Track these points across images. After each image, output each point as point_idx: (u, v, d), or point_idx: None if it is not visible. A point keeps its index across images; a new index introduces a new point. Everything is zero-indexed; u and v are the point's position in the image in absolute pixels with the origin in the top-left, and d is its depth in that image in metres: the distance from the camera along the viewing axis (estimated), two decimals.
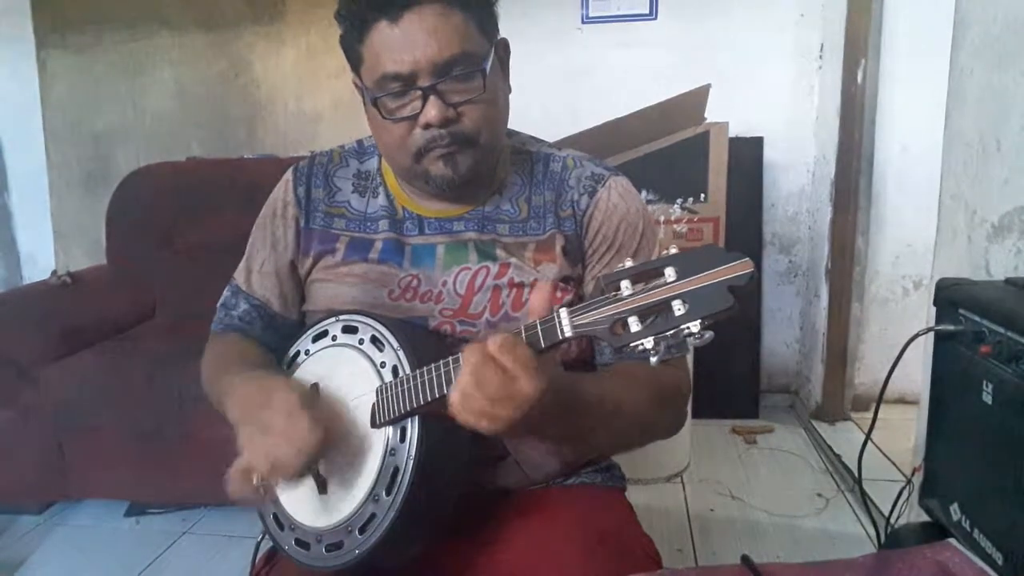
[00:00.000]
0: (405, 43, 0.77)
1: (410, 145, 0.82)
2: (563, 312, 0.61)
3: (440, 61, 0.77)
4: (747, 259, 0.53)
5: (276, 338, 0.96)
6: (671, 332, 0.54)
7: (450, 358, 0.69)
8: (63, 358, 1.97)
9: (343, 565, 0.75)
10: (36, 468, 1.97)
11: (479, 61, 0.79)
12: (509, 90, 0.89)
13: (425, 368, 0.71)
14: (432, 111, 0.78)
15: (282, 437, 0.73)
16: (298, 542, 0.80)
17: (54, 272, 2.28)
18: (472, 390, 0.61)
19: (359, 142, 0.98)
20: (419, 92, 0.78)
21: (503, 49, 0.87)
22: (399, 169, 0.89)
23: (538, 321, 0.63)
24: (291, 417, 0.74)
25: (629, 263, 0.59)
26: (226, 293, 1.00)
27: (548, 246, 0.88)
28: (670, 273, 0.55)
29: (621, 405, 0.77)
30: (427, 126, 0.79)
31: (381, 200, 0.92)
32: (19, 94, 2.87)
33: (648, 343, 0.55)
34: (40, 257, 3.02)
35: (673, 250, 0.56)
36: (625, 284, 0.57)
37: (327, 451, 0.75)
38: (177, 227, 2.39)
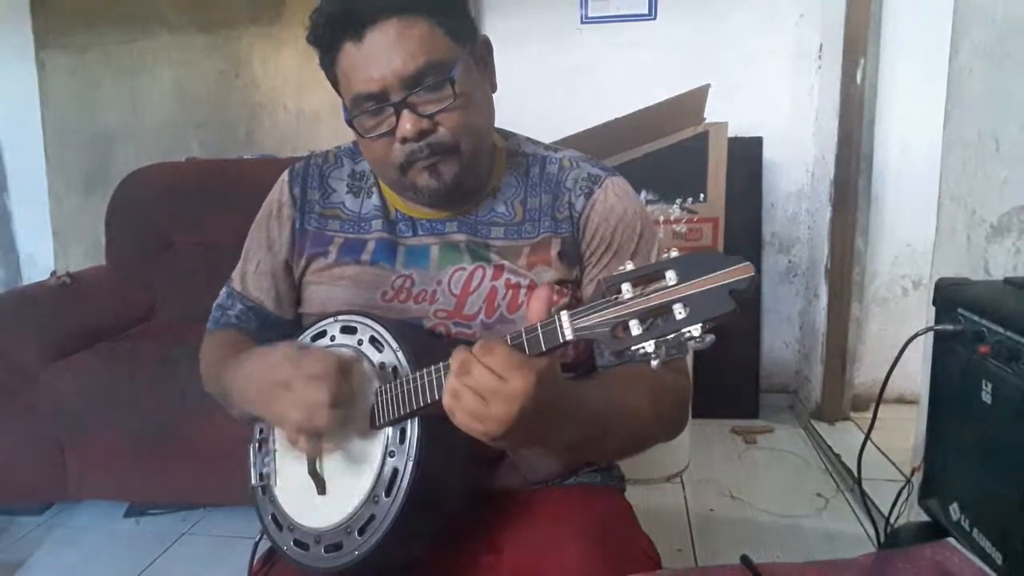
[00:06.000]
0: (371, 61, 0.77)
1: (393, 160, 0.82)
2: (564, 315, 0.61)
3: (407, 75, 0.77)
4: (748, 263, 0.53)
5: (272, 338, 0.95)
6: (672, 336, 0.54)
7: (450, 360, 0.68)
8: (63, 358, 1.97)
9: (342, 566, 0.75)
10: (36, 468, 1.97)
11: (448, 68, 0.78)
12: (493, 89, 0.88)
13: (425, 370, 0.71)
14: (407, 125, 0.78)
15: (301, 382, 0.73)
16: (297, 543, 0.80)
17: (53, 272, 2.28)
18: (461, 388, 0.61)
19: (355, 143, 0.98)
20: (392, 108, 0.79)
21: (483, 48, 0.86)
22: (389, 183, 0.90)
23: (539, 324, 0.62)
24: (300, 360, 0.74)
25: (630, 266, 0.58)
26: (222, 294, 1.00)
27: (543, 249, 0.88)
28: (671, 276, 0.55)
29: (624, 411, 0.77)
30: (404, 140, 0.79)
31: (375, 200, 0.93)
32: (19, 94, 2.87)
33: (649, 347, 0.55)
34: (40, 258, 3.02)
35: (674, 253, 0.56)
36: (626, 287, 0.57)
37: (346, 405, 0.74)
38: (177, 227, 2.39)
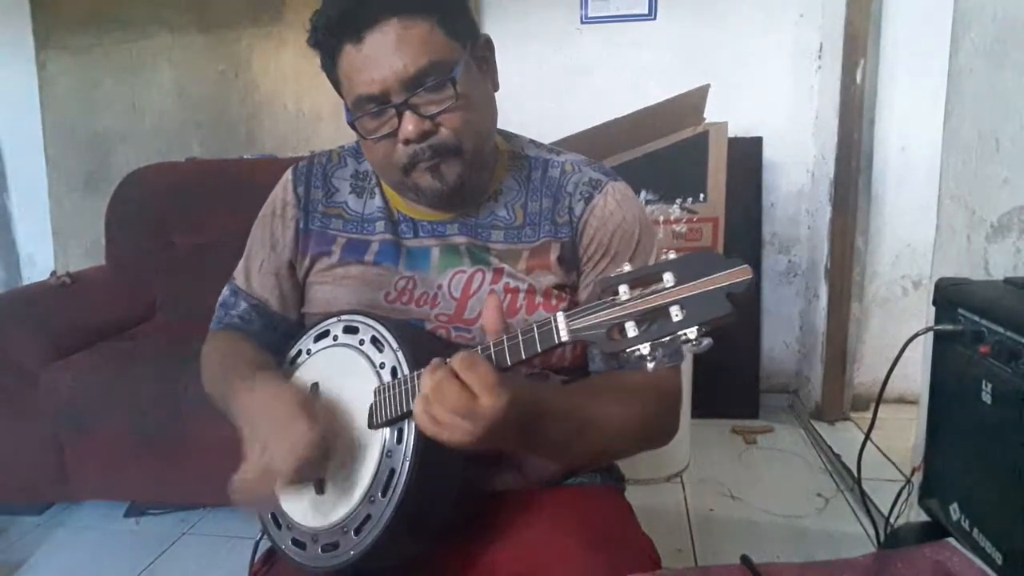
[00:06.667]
0: (372, 64, 0.77)
1: (395, 162, 0.82)
2: (560, 316, 0.61)
3: (407, 76, 0.76)
4: (746, 266, 0.53)
5: (275, 337, 0.95)
6: (668, 338, 0.53)
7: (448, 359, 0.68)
8: (63, 358, 1.97)
9: (339, 566, 0.75)
10: (36, 468, 1.97)
11: (449, 68, 0.78)
12: (495, 88, 0.88)
13: (420, 370, 0.70)
14: (409, 127, 0.78)
15: (280, 442, 0.73)
16: (295, 542, 0.80)
17: (53, 272, 2.28)
18: (433, 399, 0.63)
19: (358, 142, 0.98)
20: (393, 110, 0.79)
21: (484, 47, 0.86)
22: (391, 184, 0.90)
23: (535, 324, 0.62)
24: (290, 421, 0.74)
25: (627, 267, 0.58)
26: (225, 292, 1.00)
27: (542, 254, 0.87)
28: (668, 278, 0.54)
29: (595, 416, 0.77)
30: (407, 142, 0.79)
31: (378, 201, 0.93)
32: (19, 94, 2.87)
33: (644, 349, 0.55)
34: (39, 257, 3.02)
35: (671, 255, 0.56)
36: (623, 289, 0.57)
37: (327, 456, 0.75)
38: (177, 227, 2.39)
